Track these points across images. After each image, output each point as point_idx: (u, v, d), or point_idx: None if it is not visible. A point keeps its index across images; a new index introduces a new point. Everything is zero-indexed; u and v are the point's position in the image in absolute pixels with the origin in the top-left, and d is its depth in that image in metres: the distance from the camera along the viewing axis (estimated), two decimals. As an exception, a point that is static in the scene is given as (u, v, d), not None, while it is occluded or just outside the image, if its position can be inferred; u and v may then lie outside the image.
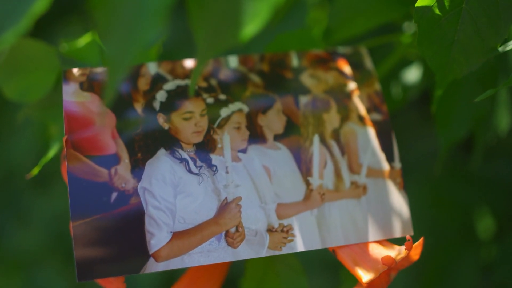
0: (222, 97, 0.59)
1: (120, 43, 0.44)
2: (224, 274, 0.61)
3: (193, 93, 0.58)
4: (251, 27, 0.48)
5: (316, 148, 0.59)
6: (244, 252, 0.55)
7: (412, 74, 0.77)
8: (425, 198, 1.04)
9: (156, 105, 0.58)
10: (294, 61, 0.63)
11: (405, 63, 0.78)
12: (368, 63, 0.64)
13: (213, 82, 0.60)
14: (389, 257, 0.54)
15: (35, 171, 0.63)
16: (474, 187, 1.04)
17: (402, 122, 1.16)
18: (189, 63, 0.61)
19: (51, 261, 1.29)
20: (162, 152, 0.56)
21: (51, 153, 0.63)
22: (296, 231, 0.56)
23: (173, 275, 1.11)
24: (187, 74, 0.60)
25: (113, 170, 0.54)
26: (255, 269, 0.62)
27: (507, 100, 0.77)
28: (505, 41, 0.59)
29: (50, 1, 0.44)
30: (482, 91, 0.74)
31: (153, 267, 0.53)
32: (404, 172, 1.09)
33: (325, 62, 0.64)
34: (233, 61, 0.62)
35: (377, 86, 0.63)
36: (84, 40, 0.67)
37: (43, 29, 1.24)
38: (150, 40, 0.44)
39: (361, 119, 0.61)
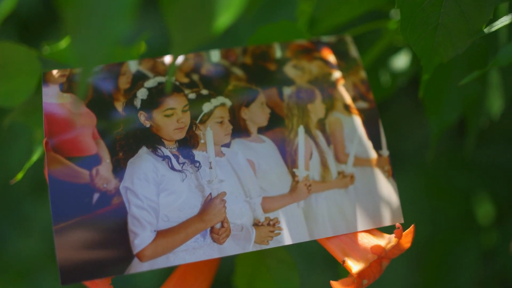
0: (204, 92, 0.58)
1: (90, 39, 0.43)
2: (214, 271, 0.60)
3: (170, 89, 0.57)
4: (224, 18, 0.47)
5: (301, 139, 0.58)
6: (230, 247, 0.54)
7: (401, 61, 0.76)
8: (423, 186, 1.03)
9: (137, 103, 0.57)
10: (278, 53, 0.62)
11: (394, 50, 0.77)
12: (353, 51, 0.63)
13: (195, 77, 0.59)
14: (378, 246, 0.54)
15: (19, 176, 0.62)
16: (473, 173, 1.03)
17: (397, 111, 1.15)
18: (170, 59, 0.60)
19: (53, 268, 1.29)
20: (144, 151, 0.55)
21: (35, 157, 0.62)
22: (283, 224, 0.55)
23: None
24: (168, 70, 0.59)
25: (94, 171, 0.54)
26: (245, 265, 0.61)
27: (499, 83, 0.76)
28: (491, 21, 0.58)
29: (16, 1, 0.43)
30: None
31: (138, 267, 0.52)
32: (401, 160, 1.08)
33: (309, 52, 0.63)
34: (215, 55, 0.61)
35: (363, 74, 0.62)
36: (65, 41, 0.66)
37: (34, 33, 1.24)
38: (120, 34, 0.43)
39: (347, 108, 0.60)
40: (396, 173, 1.06)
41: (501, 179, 1.02)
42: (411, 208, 1.00)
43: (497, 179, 1.02)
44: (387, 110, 1.20)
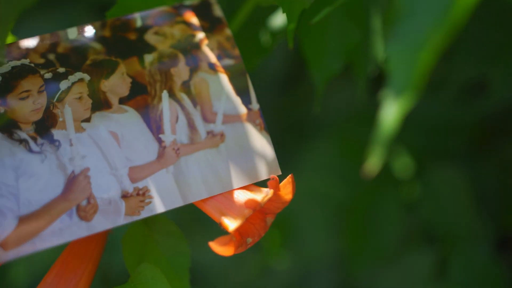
0: (61, 70, 0.56)
1: None
2: (98, 254, 0.57)
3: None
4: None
5: (165, 104, 0.56)
6: (100, 223, 0.51)
7: (279, 19, 0.75)
8: (338, 148, 1.02)
9: None
10: (138, 22, 0.60)
11: (272, 9, 0.75)
12: (217, 10, 0.62)
13: (51, 57, 0.57)
14: (252, 200, 0.52)
15: None
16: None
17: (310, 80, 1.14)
18: (25, 43, 0.58)
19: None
20: None
21: None
22: (153, 192, 0.53)
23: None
24: (23, 54, 0.57)
25: None
26: (133, 244, 0.58)
27: (383, 29, 0.75)
28: None
29: None
30: (352, 22, 0.72)
31: (3, 256, 0.49)
32: (316, 127, 1.06)
33: (171, 17, 0.61)
34: (72, 32, 0.59)
35: (228, 32, 0.60)
36: None
37: None
38: None
39: (212, 67, 0.58)
40: (312, 140, 1.05)
41: (416, 131, 1.01)
42: (328, 171, 0.99)
43: (412, 131, 1.01)
44: (303, 79, 1.19)
